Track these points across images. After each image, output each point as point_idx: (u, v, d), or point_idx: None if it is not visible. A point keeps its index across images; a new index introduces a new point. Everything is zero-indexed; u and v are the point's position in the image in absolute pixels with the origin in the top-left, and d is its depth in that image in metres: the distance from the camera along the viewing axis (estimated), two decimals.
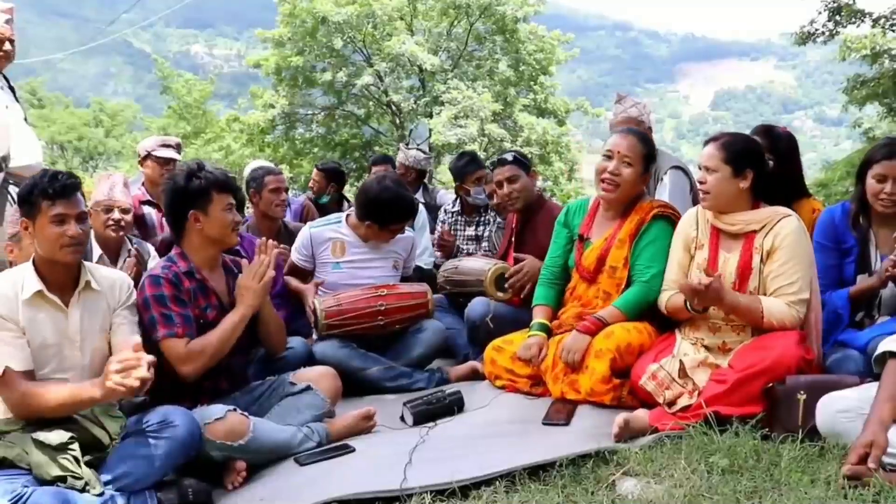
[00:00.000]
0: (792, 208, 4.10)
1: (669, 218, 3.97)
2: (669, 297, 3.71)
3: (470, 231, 6.01)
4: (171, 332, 3.28)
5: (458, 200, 6.18)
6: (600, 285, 4.01)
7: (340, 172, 7.31)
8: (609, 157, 3.97)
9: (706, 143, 3.69)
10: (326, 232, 4.73)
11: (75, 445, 2.80)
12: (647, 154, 4.01)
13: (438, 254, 5.93)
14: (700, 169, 3.63)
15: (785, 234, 3.45)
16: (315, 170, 7.42)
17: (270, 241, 3.61)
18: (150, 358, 2.70)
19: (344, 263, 4.67)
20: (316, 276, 4.76)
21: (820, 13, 18.50)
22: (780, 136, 4.31)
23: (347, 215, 4.80)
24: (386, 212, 4.56)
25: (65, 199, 3.02)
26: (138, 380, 2.64)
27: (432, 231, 6.30)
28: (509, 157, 4.95)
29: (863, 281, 3.65)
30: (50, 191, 3.00)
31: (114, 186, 4.45)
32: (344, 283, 4.61)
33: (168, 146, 5.67)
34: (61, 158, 36.07)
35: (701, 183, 3.59)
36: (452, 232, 6.01)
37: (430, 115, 25.65)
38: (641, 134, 4.19)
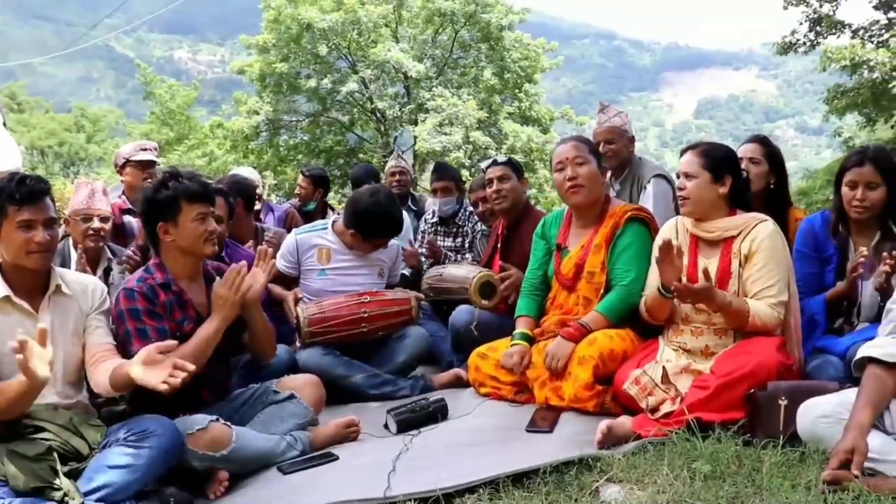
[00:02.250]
0: (786, 217, 4.17)
1: (643, 220, 4.04)
2: (646, 296, 3.76)
3: (448, 242, 6.02)
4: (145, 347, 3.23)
5: (435, 211, 6.22)
6: (580, 292, 4.04)
7: (327, 178, 7.26)
8: (562, 168, 4.05)
9: (684, 151, 3.77)
10: (312, 238, 4.72)
11: (53, 456, 2.77)
12: (592, 150, 4.12)
13: (407, 269, 5.87)
14: (679, 177, 3.68)
15: (761, 238, 3.51)
16: (301, 176, 7.22)
17: (269, 249, 3.57)
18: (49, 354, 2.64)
19: (329, 270, 4.66)
20: (301, 283, 4.75)
21: (801, 24, 18.71)
22: (776, 146, 4.41)
23: (333, 222, 4.78)
24: (373, 225, 4.55)
25: (31, 204, 2.97)
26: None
27: (416, 239, 6.31)
28: (502, 158, 5.02)
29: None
30: (17, 195, 2.95)
31: (93, 195, 4.41)
32: (329, 290, 4.59)
33: (146, 149, 5.64)
34: (41, 164, 35.83)
35: (680, 189, 3.65)
36: (426, 244, 6.03)
37: (415, 123, 25.63)
38: (580, 136, 4.31)
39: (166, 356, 2.76)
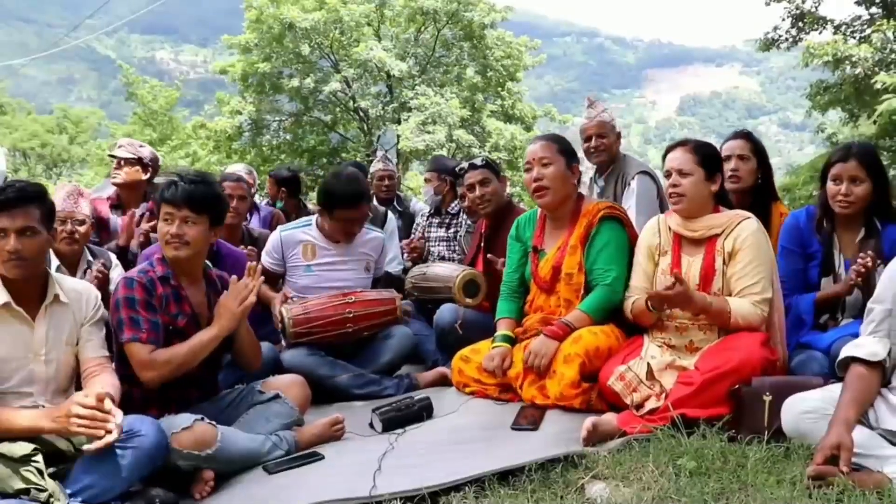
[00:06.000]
0: (769, 212, 4.19)
1: (617, 217, 4.03)
2: (634, 302, 3.75)
3: (441, 232, 6.02)
4: (136, 336, 3.25)
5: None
6: (560, 294, 4.03)
7: (289, 178, 7.32)
8: (529, 168, 4.05)
9: (671, 148, 3.75)
10: (297, 235, 4.71)
11: (39, 457, 2.75)
12: (561, 149, 4.07)
13: (409, 261, 5.94)
14: (669, 174, 3.65)
15: (745, 235, 3.52)
16: (268, 177, 7.59)
17: (260, 265, 3.60)
18: (119, 418, 2.73)
19: (315, 266, 4.65)
20: (287, 280, 4.73)
21: (783, 20, 18.79)
22: (759, 140, 4.42)
23: (318, 219, 4.78)
24: (336, 197, 4.55)
25: (5, 212, 2.96)
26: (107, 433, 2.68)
27: (403, 238, 6.32)
28: (479, 161, 4.99)
29: (828, 286, 3.70)
30: None
31: (69, 196, 4.37)
32: (316, 287, 4.59)
33: (121, 146, 5.63)
34: (24, 166, 35.59)
35: (674, 186, 3.62)
36: (426, 234, 6.04)
37: (398, 122, 25.64)
38: (552, 135, 4.29)
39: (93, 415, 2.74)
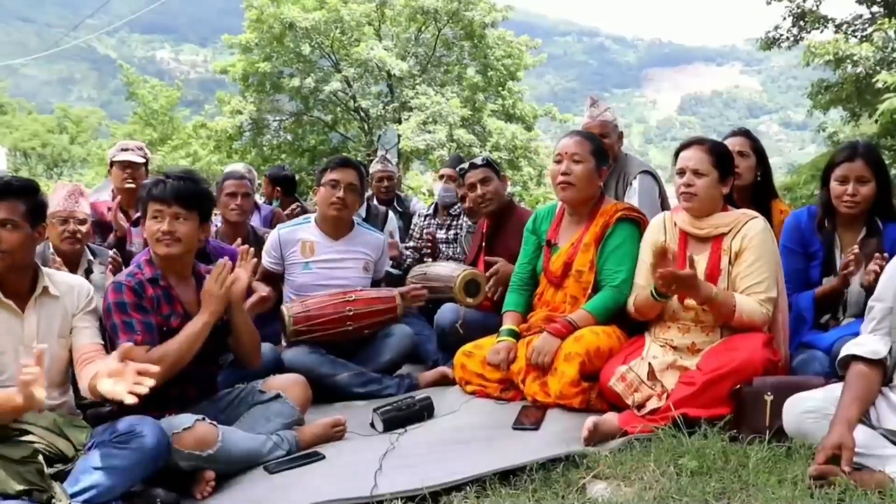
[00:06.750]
0: (769, 209, 4.18)
1: (634, 220, 4.01)
2: (637, 295, 3.73)
3: (441, 234, 6.01)
4: (132, 339, 3.20)
5: (434, 203, 6.26)
6: (567, 290, 4.03)
7: (284, 178, 7.34)
8: (559, 161, 4.03)
9: (686, 146, 3.70)
10: (295, 232, 4.71)
11: (39, 458, 2.75)
12: (594, 149, 4.05)
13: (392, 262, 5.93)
14: (683, 173, 3.61)
15: (752, 235, 3.50)
16: (264, 177, 7.71)
17: (251, 248, 3.61)
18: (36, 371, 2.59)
19: (313, 264, 4.64)
20: (286, 279, 4.73)
21: (784, 19, 18.80)
22: (758, 139, 4.42)
23: (316, 217, 4.78)
24: (324, 163, 4.77)
25: None
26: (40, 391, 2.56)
27: (402, 240, 6.31)
28: (480, 160, 5.00)
29: (827, 283, 3.69)
30: None
31: (69, 196, 4.35)
32: (314, 285, 4.58)
33: (126, 149, 5.54)
34: (25, 165, 35.62)
35: (688, 186, 3.59)
36: (425, 234, 6.04)
37: (399, 121, 25.67)
38: (587, 133, 4.28)
39: (127, 365, 2.70)
